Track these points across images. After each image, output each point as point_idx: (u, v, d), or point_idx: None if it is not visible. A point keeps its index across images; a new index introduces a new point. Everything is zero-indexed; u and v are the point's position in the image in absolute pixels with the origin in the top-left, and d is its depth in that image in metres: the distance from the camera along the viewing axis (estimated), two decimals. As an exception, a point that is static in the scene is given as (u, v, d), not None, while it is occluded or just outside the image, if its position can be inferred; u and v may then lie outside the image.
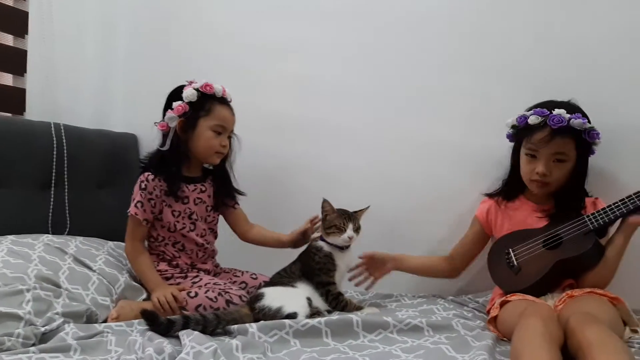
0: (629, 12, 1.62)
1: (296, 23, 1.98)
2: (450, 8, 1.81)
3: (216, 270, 1.77)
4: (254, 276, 1.73)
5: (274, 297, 1.45)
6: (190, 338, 1.17)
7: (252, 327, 1.27)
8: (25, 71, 2.01)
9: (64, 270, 1.46)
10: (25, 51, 2.01)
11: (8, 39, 2.01)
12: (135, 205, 1.61)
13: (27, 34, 2.02)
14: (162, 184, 1.63)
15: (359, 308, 1.54)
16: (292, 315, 1.38)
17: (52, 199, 1.76)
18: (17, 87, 2.01)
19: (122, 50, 2.21)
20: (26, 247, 1.49)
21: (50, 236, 1.62)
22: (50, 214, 1.75)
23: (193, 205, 1.68)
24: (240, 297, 1.55)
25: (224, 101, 1.69)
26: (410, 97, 1.86)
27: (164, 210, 1.65)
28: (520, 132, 1.56)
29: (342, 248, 1.59)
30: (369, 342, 1.26)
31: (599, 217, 1.40)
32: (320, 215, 1.62)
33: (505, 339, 1.32)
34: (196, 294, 1.51)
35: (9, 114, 1.98)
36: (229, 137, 1.71)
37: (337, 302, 1.54)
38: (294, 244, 1.68)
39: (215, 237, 1.78)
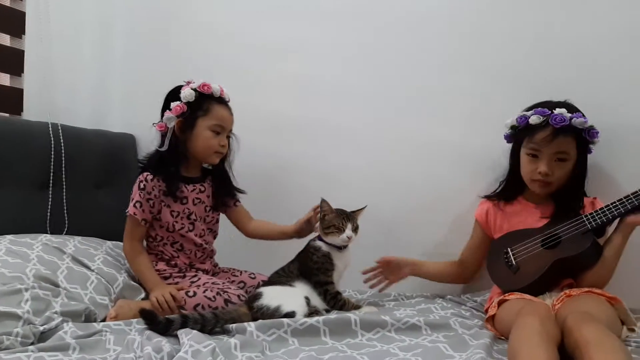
0: (629, 12, 1.63)
1: (296, 23, 1.98)
2: (450, 8, 1.82)
3: (215, 269, 1.77)
4: (252, 276, 1.74)
5: (272, 296, 1.45)
6: (188, 337, 1.17)
7: (251, 326, 1.27)
8: (22, 71, 2.01)
9: (62, 270, 1.47)
10: (23, 51, 2.01)
11: (5, 39, 2.01)
12: (134, 205, 1.61)
13: (24, 34, 2.02)
14: (161, 184, 1.63)
15: (357, 307, 1.54)
16: (290, 314, 1.38)
17: (50, 199, 1.76)
18: (15, 87, 2.01)
19: (120, 50, 2.22)
20: (24, 246, 1.49)
21: (48, 236, 1.62)
22: (48, 214, 1.75)
23: (192, 205, 1.68)
24: (238, 296, 1.55)
25: (222, 101, 1.69)
26: (410, 97, 1.87)
27: (163, 211, 1.65)
28: (520, 133, 1.57)
29: (340, 248, 1.59)
30: (367, 340, 1.27)
31: (597, 217, 1.40)
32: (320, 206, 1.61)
33: (502, 337, 1.33)
34: (195, 294, 1.52)
35: (7, 114, 1.97)
36: (228, 137, 1.71)
37: (335, 301, 1.54)
38: (299, 233, 1.67)
39: (215, 237, 1.79)
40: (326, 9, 1.94)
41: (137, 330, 1.30)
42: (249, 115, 1.76)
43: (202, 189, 1.72)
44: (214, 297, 1.51)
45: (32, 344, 1.19)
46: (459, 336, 1.28)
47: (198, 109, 1.64)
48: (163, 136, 1.66)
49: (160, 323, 1.27)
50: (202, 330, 1.27)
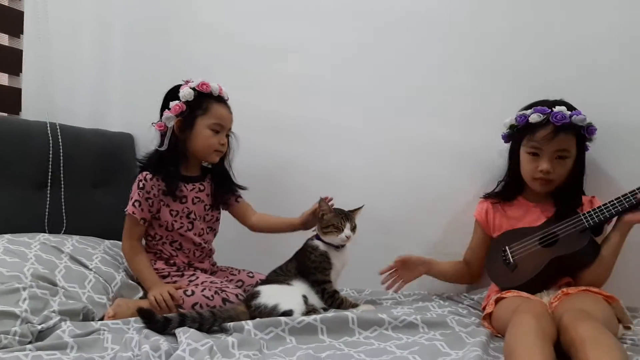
0: (629, 12, 1.63)
1: (296, 23, 1.98)
2: (450, 8, 1.82)
3: (213, 268, 1.77)
4: (250, 274, 1.74)
5: (270, 294, 1.46)
6: (186, 335, 1.18)
7: (248, 324, 1.27)
8: (20, 71, 2.01)
9: (60, 269, 1.47)
10: (21, 51, 2.02)
11: (4, 39, 2.01)
12: (133, 204, 1.61)
13: (22, 33, 2.02)
14: (160, 183, 1.63)
15: (354, 305, 1.55)
16: (288, 313, 1.39)
17: (48, 199, 1.76)
18: (13, 87, 2.01)
19: (119, 50, 2.22)
20: (22, 245, 1.49)
21: (46, 235, 1.62)
22: (46, 213, 1.75)
23: (191, 204, 1.68)
24: (237, 295, 1.55)
25: (221, 99, 1.69)
26: (410, 97, 1.87)
27: (162, 210, 1.65)
28: (520, 132, 1.57)
29: (338, 247, 1.60)
30: (364, 339, 1.27)
31: (594, 215, 1.41)
32: (329, 196, 1.62)
33: (499, 335, 1.33)
34: (193, 293, 1.52)
35: (5, 114, 1.97)
36: (227, 135, 1.71)
37: (332, 300, 1.55)
38: (305, 225, 1.67)
39: (215, 235, 1.79)
40: (326, 9, 1.94)
41: (135, 329, 1.30)
42: (249, 115, 1.76)
43: (202, 187, 1.72)
44: (212, 296, 1.51)
45: (30, 342, 1.19)
46: (455, 334, 1.28)
47: (197, 108, 1.64)
48: (162, 136, 1.66)
49: (158, 322, 1.27)
50: (199, 329, 1.27)
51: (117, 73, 2.21)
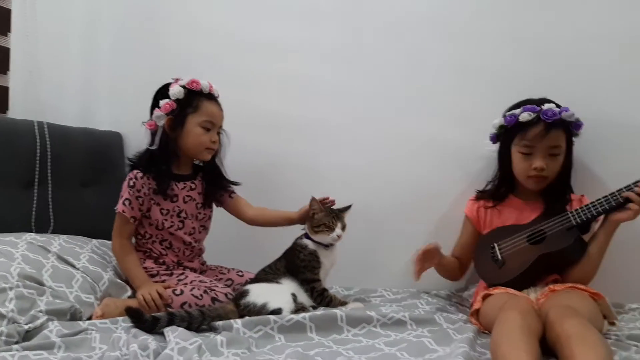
0: (629, 12, 1.65)
1: (296, 23, 1.97)
2: (450, 8, 1.82)
3: (202, 268, 1.77)
4: (240, 273, 1.74)
5: (259, 293, 1.46)
6: (175, 334, 1.17)
7: (237, 323, 1.28)
8: (8, 69, 2.00)
9: (47, 269, 1.46)
10: (8, 49, 2.00)
11: (-9, 37, 2.00)
12: (123, 203, 1.60)
13: (10, 31, 2.01)
14: (151, 182, 1.62)
15: (343, 303, 1.55)
16: (277, 311, 1.39)
17: (35, 198, 1.75)
18: (0, 85, 1.99)
19: (107, 47, 2.18)
20: (9, 245, 1.48)
21: (33, 234, 1.61)
22: (33, 213, 1.73)
23: (182, 203, 1.68)
24: (226, 294, 1.55)
25: (211, 97, 1.68)
26: (410, 97, 1.87)
27: (152, 208, 1.64)
28: (510, 132, 1.58)
29: (327, 246, 1.60)
30: (352, 336, 1.28)
31: (581, 213, 1.43)
32: (329, 197, 1.62)
33: (486, 331, 1.34)
34: (182, 292, 1.51)
35: (-8, 112, 1.97)
36: (218, 133, 1.70)
37: (322, 298, 1.55)
38: (303, 220, 1.67)
39: (207, 233, 1.78)
40: (326, 9, 1.94)
41: (123, 329, 1.30)
42: (249, 115, 1.75)
43: (193, 186, 1.71)
44: (201, 295, 1.51)
45: (16, 343, 1.18)
46: (443, 331, 1.30)
47: (188, 106, 1.63)
48: (153, 134, 1.65)
49: (146, 321, 1.27)
50: (188, 328, 1.26)
51: (106, 71, 2.18)
